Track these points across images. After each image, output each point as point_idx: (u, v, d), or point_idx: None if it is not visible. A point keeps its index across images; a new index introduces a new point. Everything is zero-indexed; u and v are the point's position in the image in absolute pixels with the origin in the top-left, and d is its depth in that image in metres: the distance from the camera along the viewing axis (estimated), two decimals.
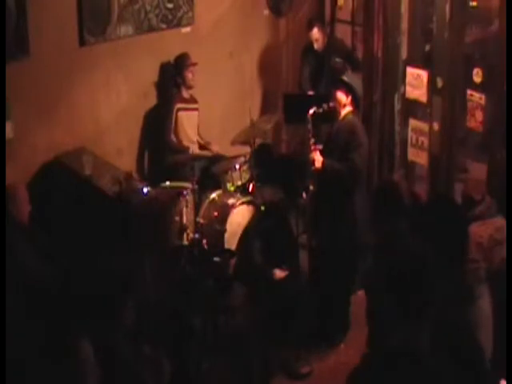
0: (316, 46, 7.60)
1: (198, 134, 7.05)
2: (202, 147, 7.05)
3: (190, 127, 6.93)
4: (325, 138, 5.81)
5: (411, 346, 2.86)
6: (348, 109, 5.62)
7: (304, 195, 5.88)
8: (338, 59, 7.34)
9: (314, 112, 5.66)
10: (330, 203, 5.65)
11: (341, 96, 5.59)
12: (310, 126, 5.69)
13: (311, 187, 5.73)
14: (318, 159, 5.59)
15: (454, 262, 3.74)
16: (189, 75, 6.80)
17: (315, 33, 7.57)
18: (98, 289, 3.21)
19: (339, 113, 5.64)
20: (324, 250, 5.82)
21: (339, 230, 5.64)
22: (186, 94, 6.86)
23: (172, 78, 6.91)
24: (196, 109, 6.97)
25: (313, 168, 5.62)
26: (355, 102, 5.66)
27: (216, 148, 7.03)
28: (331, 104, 5.62)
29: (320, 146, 5.67)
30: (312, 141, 5.67)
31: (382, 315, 2.98)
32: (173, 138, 6.78)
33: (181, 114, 6.81)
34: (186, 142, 6.85)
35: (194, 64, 6.80)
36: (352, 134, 5.58)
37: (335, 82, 5.70)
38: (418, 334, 2.86)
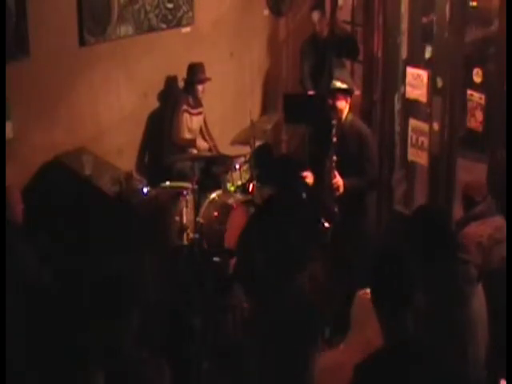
0: (318, 27, 7.53)
1: (201, 133, 7.09)
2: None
3: (192, 130, 6.94)
4: (328, 144, 5.68)
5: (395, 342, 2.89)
6: (347, 108, 5.63)
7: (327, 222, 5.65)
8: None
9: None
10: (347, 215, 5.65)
11: (341, 104, 5.59)
12: (333, 153, 5.53)
13: (336, 210, 5.59)
14: (340, 184, 5.53)
15: (441, 263, 3.78)
16: (199, 88, 6.81)
17: (318, 14, 7.56)
18: (101, 290, 3.20)
19: (340, 118, 5.62)
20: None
21: (356, 236, 5.66)
22: (192, 101, 6.87)
23: (179, 89, 6.96)
24: (200, 112, 6.99)
25: (337, 193, 5.55)
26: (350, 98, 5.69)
27: (203, 146, 7.04)
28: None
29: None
30: (333, 164, 5.53)
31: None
32: (181, 136, 6.79)
33: (186, 115, 6.83)
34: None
35: (208, 79, 6.82)
36: (362, 142, 5.60)
37: (331, 92, 5.65)
38: (400, 330, 2.89)
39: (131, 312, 3.16)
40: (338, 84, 5.64)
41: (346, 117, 5.65)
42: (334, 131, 5.54)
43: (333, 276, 5.71)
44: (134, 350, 3.12)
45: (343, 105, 5.61)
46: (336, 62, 7.23)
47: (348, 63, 7.75)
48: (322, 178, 5.66)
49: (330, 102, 5.61)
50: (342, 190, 5.56)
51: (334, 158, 5.51)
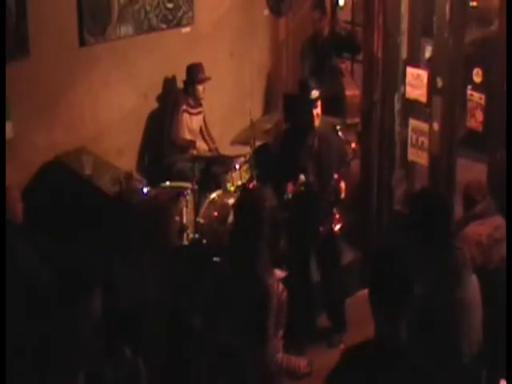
0: (318, 27, 7.53)
1: (201, 133, 7.09)
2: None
3: (192, 130, 6.95)
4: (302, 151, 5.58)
5: (390, 340, 2.89)
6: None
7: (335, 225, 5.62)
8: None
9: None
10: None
11: (319, 110, 5.54)
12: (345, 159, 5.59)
13: (337, 216, 5.59)
14: (344, 188, 5.53)
15: (436, 247, 3.80)
16: (199, 88, 6.82)
17: (318, 13, 7.55)
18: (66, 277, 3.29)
19: (315, 126, 5.57)
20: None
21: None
22: (192, 101, 6.88)
23: (177, 91, 6.97)
24: (200, 112, 7.00)
25: (340, 197, 5.55)
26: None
27: (203, 147, 7.05)
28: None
29: None
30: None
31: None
32: (182, 136, 6.80)
33: (185, 115, 6.84)
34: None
35: (208, 78, 6.83)
36: (336, 141, 5.70)
37: (314, 102, 5.56)
38: (395, 329, 2.89)
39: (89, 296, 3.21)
40: (317, 93, 5.59)
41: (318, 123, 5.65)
42: (316, 137, 5.53)
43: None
44: (94, 338, 3.14)
45: (319, 111, 5.58)
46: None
47: (348, 63, 7.76)
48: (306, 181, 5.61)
49: (314, 111, 5.54)
50: (344, 194, 5.55)
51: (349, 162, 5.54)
